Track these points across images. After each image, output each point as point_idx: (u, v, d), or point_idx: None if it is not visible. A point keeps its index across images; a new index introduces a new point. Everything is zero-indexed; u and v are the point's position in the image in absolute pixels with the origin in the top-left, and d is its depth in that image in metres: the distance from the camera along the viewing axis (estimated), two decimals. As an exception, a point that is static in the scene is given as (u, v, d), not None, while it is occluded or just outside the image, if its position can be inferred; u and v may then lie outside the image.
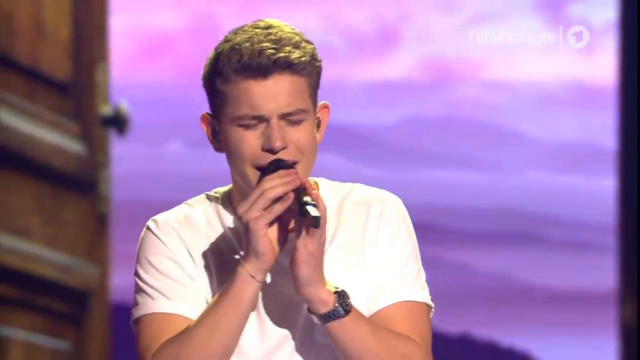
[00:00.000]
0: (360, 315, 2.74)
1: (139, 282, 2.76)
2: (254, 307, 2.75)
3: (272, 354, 2.82)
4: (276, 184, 2.61)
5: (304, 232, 2.68)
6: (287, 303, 2.81)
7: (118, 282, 6.66)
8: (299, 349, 2.83)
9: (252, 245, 2.62)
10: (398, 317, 2.76)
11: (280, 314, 2.82)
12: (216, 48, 2.71)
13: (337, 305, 2.66)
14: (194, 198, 2.84)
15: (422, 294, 2.77)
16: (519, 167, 7.58)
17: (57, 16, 5.88)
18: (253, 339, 2.80)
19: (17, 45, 5.65)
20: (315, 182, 2.85)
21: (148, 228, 2.78)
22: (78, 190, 5.86)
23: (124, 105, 5.74)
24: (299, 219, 2.66)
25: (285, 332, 2.82)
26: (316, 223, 2.59)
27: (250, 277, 2.64)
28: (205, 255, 2.78)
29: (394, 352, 2.78)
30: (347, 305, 2.66)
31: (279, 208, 2.61)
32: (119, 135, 5.73)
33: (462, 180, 7.44)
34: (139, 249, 2.80)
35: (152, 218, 2.80)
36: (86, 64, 5.89)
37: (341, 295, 2.66)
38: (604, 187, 6.95)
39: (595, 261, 7.02)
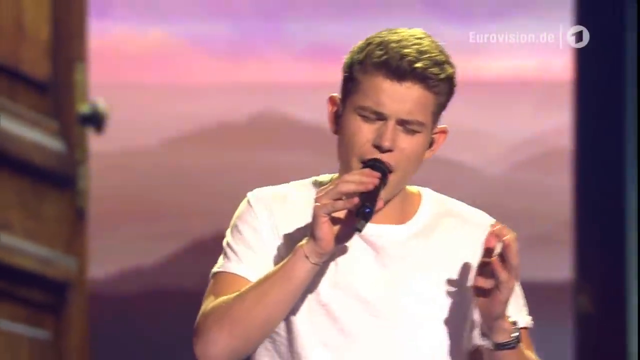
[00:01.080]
0: (520, 345, 2.80)
1: (225, 243, 2.87)
2: (304, 287, 2.81)
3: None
4: (352, 180, 2.67)
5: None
6: (387, 310, 2.89)
7: (95, 274, 6.70)
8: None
9: (313, 229, 2.70)
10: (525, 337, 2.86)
11: (380, 324, 2.87)
12: (367, 38, 2.79)
13: (513, 336, 2.72)
14: (302, 180, 2.94)
15: (529, 319, 2.85)
16: (479, 163, 7.62)
17: (37, 17, 5.71)
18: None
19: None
20: (419, 192, 2.90)
21: (247, 197, 2.91)
22: (57, 185, 5.77)
23: (102, 103, 5.72)
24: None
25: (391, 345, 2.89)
26: (357, 230, 2.68)
27: (305, 256, 2.72)
28: (292, 232, 2.87)
29: None
30: (518, 338, 2.72)
31: (340, 204, 2.67)
32: (97, 132, 5.69)
33: (419, 177, 8.02)
34: (235, 215, 2.92)
35: (255, 190, 2.92)
36: (65, 64, 5.80)
37: (516, 327, 2.72)
38: (561, 183, 6.84)
39: (552, 254, 7.20)
